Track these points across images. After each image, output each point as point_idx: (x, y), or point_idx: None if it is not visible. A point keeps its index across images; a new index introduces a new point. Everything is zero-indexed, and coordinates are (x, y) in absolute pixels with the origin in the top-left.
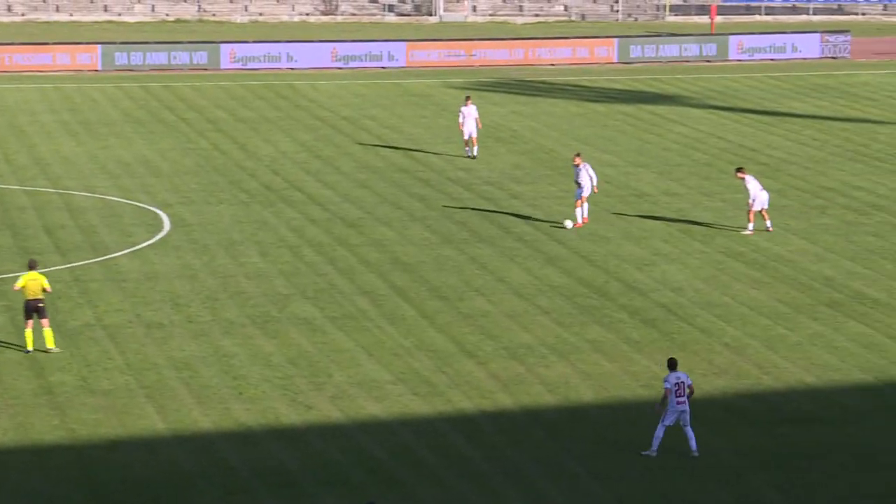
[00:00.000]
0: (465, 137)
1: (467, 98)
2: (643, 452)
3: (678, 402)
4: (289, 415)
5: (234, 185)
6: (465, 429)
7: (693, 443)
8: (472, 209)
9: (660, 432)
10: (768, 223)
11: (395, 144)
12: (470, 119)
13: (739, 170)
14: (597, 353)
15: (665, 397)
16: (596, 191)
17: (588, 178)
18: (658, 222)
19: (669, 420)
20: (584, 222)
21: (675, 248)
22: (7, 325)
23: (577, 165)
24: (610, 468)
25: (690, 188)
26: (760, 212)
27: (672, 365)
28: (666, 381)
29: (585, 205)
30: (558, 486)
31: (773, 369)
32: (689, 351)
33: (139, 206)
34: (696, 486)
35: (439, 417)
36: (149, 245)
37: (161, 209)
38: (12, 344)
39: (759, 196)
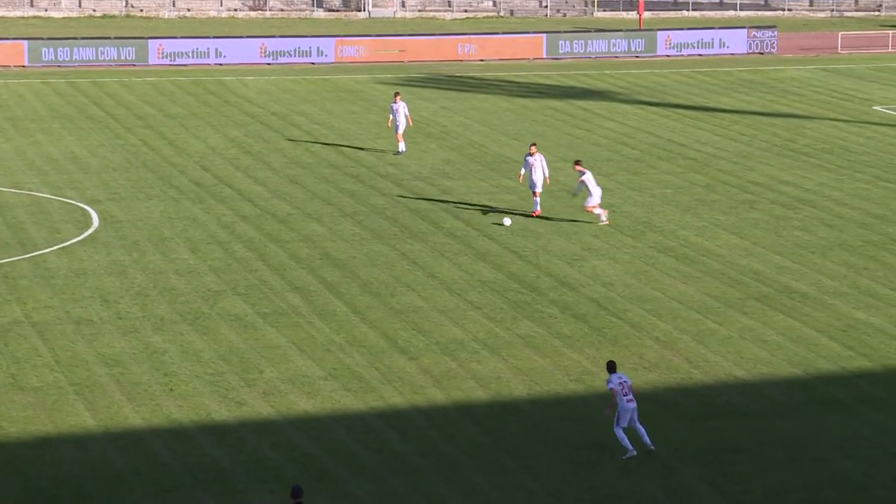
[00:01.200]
0: (399, 133)
1: (396, 94)
2: (624, 457)
3: (627, 401)
4: (220, 411)
5: (163, 182)
6: (397, 424)
7: (647, 438)
8: (403, 205)
9: (620, 433)
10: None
11: (325, 140)
12: (400, 115)
13: (577, 163)
14: (528, 348)
15: (613, 399)
16: (548, 182)
17: (541, 169)
18: (588, 217)
19: (624, 422)
20: (537, 214)
21: (605, 244)
22: None
23: (532, 155)
24: (542, 463)
25: (620, 183)
26: (589, 208)
27: (612, 367)
28: (609, 382)
29: (538, 198)
30: (491, 480)
31: (703, 363)
32: (619, 345)
33: (68, 203)
34: (627, 480)
35: (371, 413)
36: (78, 241)
37: (90, 205)
38: None
39: (595, 191)
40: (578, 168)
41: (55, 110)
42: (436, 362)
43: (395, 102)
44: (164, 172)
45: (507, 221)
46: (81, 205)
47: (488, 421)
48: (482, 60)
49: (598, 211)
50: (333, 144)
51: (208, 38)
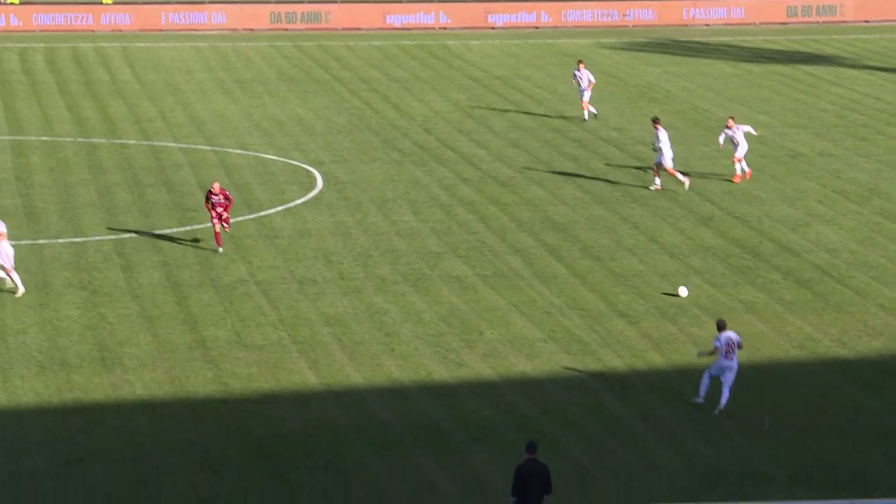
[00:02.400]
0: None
1: (580, 62)
2: (693, 399)
3: (727, 360)
4: (440, 371)
5: (386, 144)
6: (616, 387)
7: (725, 400)
8: (625, 169)
9: (706, 378)
10: (658, 181)
11: (547, 104)
12: (584, 83)
13: (655, 120)
14: (749, 313)
15: (713, 354)
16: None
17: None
18: (813, 183)
19: (715, 371)
20: (740, 178)
21: (829, 210)
22: (163, 280)
23: (730, 128)
24: (761, 428)
25: (846, 149)
26: (666, 169)
27: (722, 325)
28: (717, 340)
29: (743, 162)
30: (711, 445)
31: None
32: (843, 312)
33: (293, 164)
34: (848, 448)
35: (590, 376)
36: (302, 202)
37: (314, 167)
38: (168, 299)
39: (668, 153)
40: (656, 125)
41: (282, 73)
42: (655, 326)
43: (579, 70)
44: (387, 135)
45: (684, 292)
46: (306, 166)
47: (708, 386)
48: (707, 25)
49: (680, 177)
50: (556, 109)
51: (433, 2)
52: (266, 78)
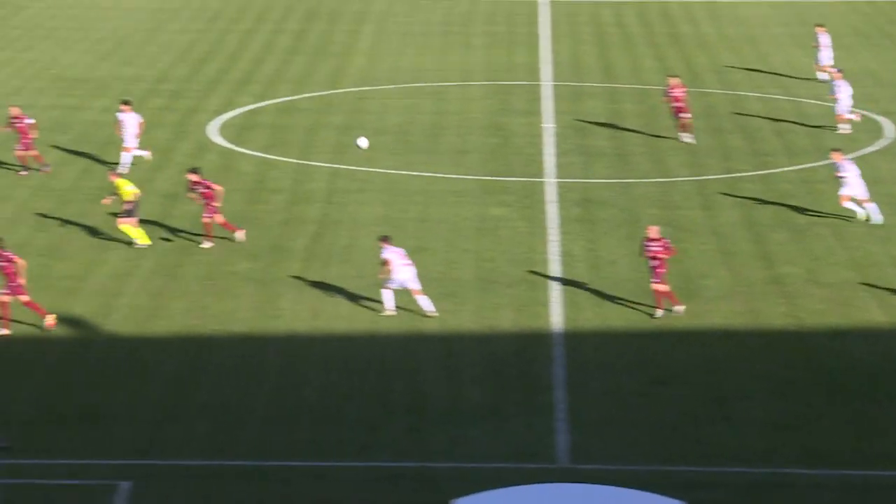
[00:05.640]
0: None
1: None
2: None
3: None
4: None
5: None
6: None
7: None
8: None
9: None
10: None
11: None
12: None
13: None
14: None
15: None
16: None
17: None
18: None
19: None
20: None
21: None
22: (741, 219)
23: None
24: None
25: None
26: None
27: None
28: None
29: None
30: None
31: None
32: None
33: (862, 114)
34: None
35: None
36: (873, 151)
37: (883, 117)
38: (745, 237)
39: None
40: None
41: (854, 28)
42: None
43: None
44: None
45: (363, 142)
46: (874, 116)
47: None
48: None
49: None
50: None
51: None
52: (840, 33)
